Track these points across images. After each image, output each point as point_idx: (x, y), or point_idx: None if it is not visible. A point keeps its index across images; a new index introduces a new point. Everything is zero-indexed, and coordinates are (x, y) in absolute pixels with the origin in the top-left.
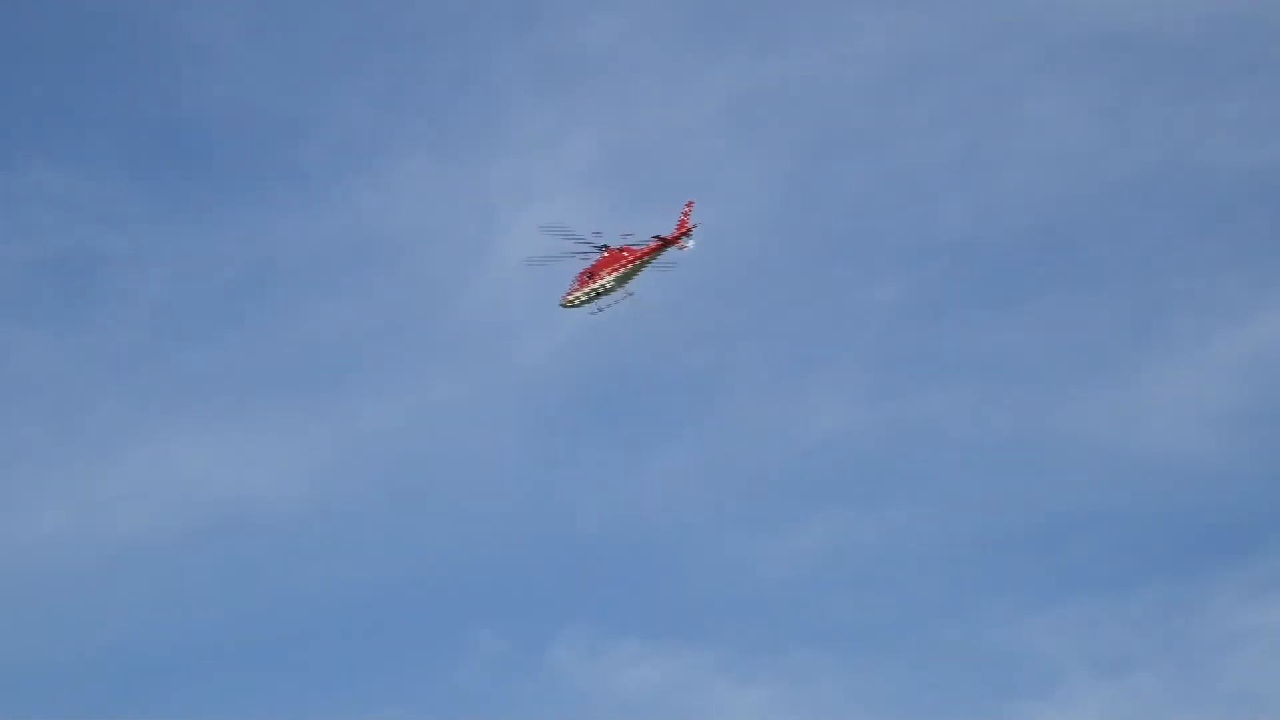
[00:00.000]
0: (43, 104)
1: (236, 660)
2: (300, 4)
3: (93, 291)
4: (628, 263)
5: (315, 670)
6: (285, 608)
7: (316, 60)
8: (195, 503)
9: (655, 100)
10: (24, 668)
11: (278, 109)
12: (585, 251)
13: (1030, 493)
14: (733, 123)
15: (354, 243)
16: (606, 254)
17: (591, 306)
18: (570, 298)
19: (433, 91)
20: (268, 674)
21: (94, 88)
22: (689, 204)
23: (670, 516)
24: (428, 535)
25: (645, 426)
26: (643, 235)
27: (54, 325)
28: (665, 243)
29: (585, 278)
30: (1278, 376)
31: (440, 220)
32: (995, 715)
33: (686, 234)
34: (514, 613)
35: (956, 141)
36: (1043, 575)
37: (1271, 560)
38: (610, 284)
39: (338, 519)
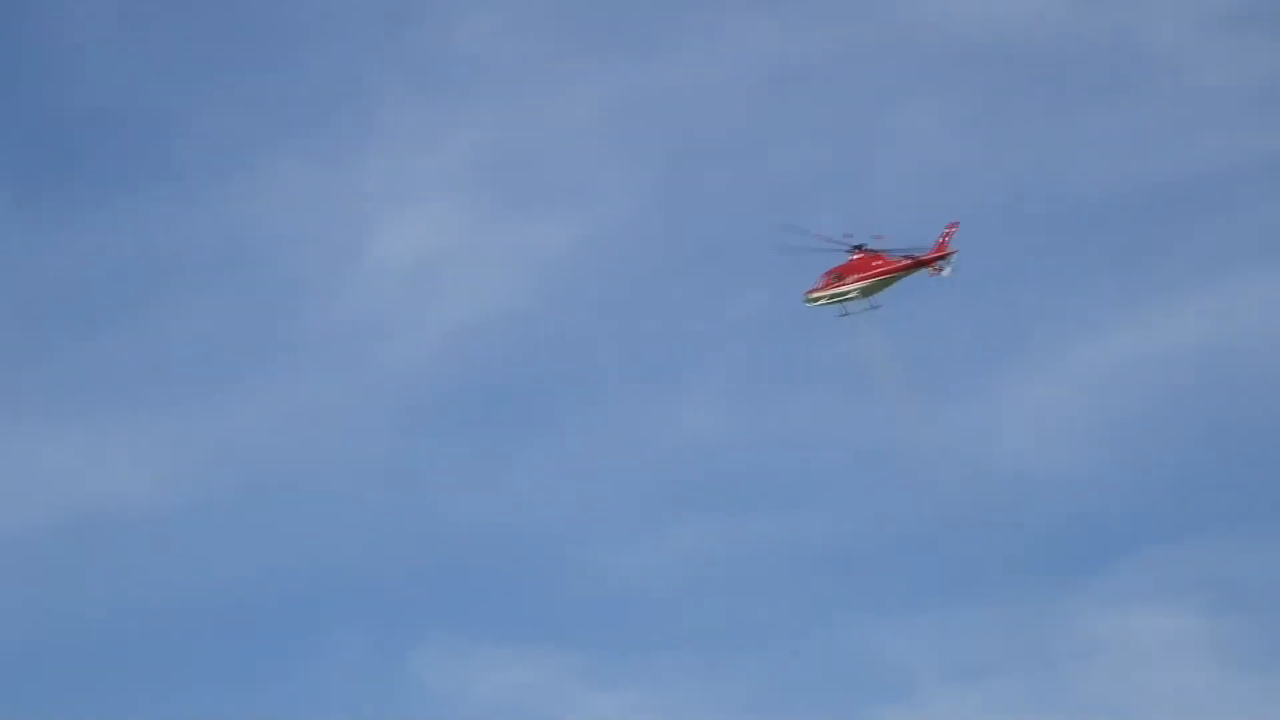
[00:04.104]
0: None
1: (95, 659)
2: (174, 3)
3: None
4: (877, 274)
5: (174, 671)
6: (144, 608)
7: (190, 60)
8: (54, 503)
9: (531, 104)
10: None
11: (149, 108)
12: (834, 248)
13: (891, 502)
14: (608, 127)
15: (225, 243)
16: (859, 256)
17: (838, 308)
18: (815, 295)
19: (307, 93)
20: (126, 673)
21: None
22: (952, 225)
23: (534, 522)
24: (290, 538)
25: (511, 432)
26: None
27: None
28: (919, 263)
29: (833, 278)
30: (1134, 391)
31: (313, 222)
32: (852, 719)
33: (944, 257)
34: (376, 616)
35: (828, 151)
36: (902, 583)
37: (1125, 571)
38: (854, 294)
39: (200, 520)
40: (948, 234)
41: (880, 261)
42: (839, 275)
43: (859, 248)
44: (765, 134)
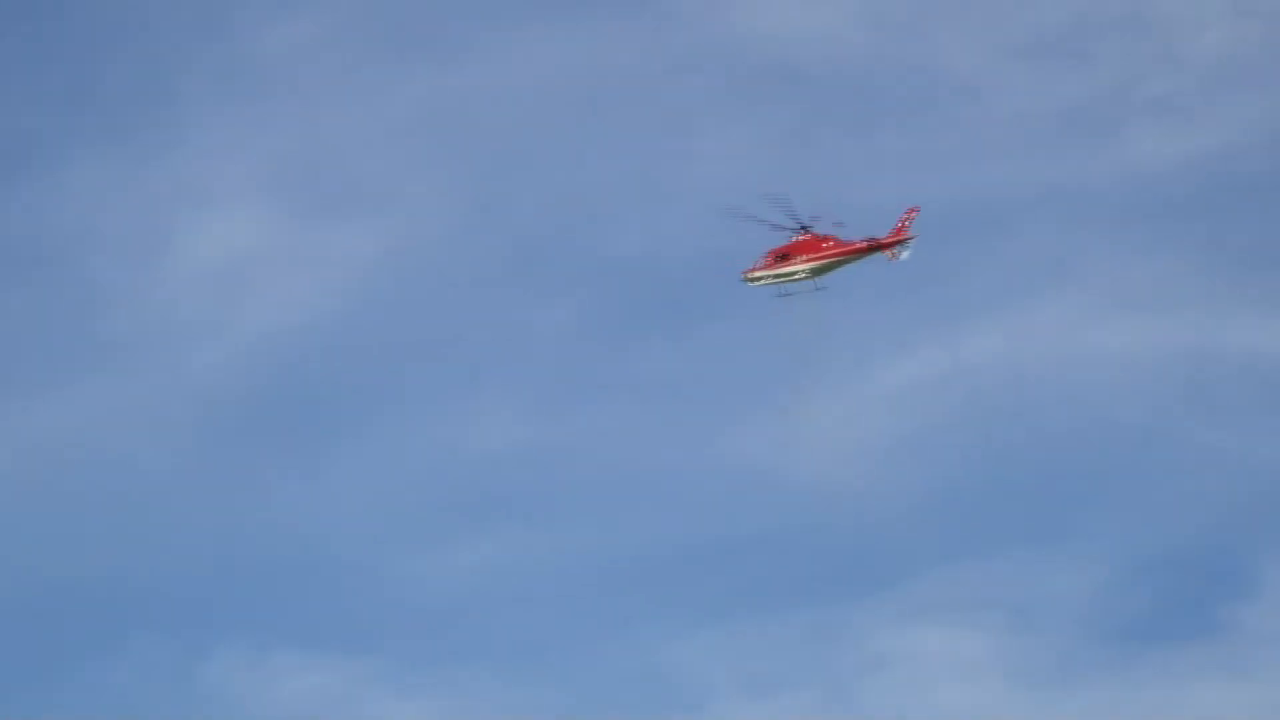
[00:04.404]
0: None
1: None
2: None
3: None
4: (828, 255)
5: None
6: None
7: None
8: None
9: (340, 109)
10: None
11: None
12: (781, 228)
13: (688, 515)
14: (418, 134)
15: (25, 243)
16: (806, 237)
17: (776, 289)
18: (755, 274)
19: (114, 94)
20: None
21: None
22: (912, 210)
23: (338, 529)
24: (88, 540)
25: (316, 439)
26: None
27: None
28: (875, 246)
29: (776, 258)
30: (931, 409)
31: (118, 224)
32: None
33: (902, 242)
34: (172, 620)
35: (634, 166)
36: (697, 595)
37: (917, 587)
38: (803, 273)
39: None
40: (907, 219)
41: (831, 243)
42: (784, 255)
43: (805, 229)
44: (572, 146)
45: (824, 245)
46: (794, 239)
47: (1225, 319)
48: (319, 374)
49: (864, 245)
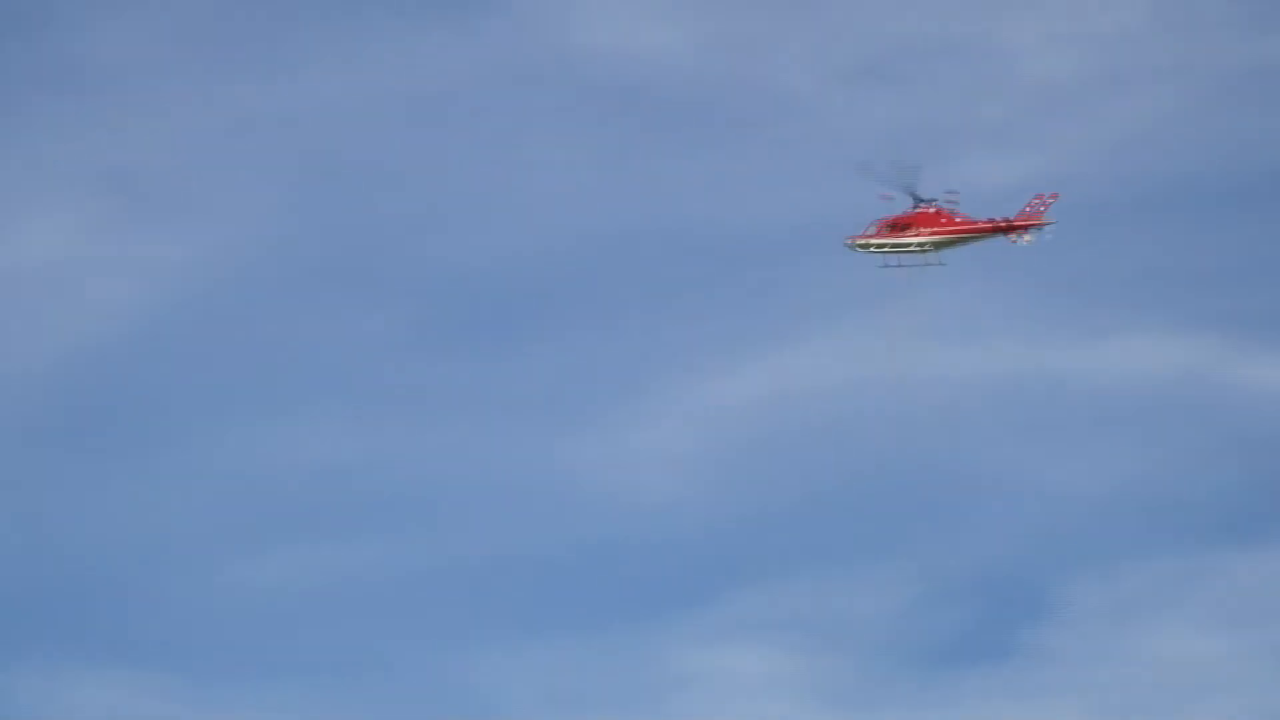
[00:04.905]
0: None
1: None
2: None
3: None
4: (953, 230)
5: None
6: None
7: None
8: None
9: (161, 115)
10: None
11: None
12: (900, 200)
13: (499, 530)
14: (241, 143)
15: None
16: (927, 209)
17: (885, 259)
18: (866, 242)
19: None
20: None
21: None
22: (1049, 195)
23: (147, 541)
24: None
25: (128, 449)
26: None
27: None
28: (1004, 227)
29: (892, 227)
30: (745, 429)
31: None
32: None
33: (1033, 227)
34: None
35: (462, 178)
36: (506, 611)
37: (723, 605)
38: (926, 246)
39: None
40: (1041, 204)
41: (949, 219)
42: (903, 225)
43: (927, 201)
44: (399, 156)
45: (942, 220)
46: (913, 210)
47: (1040, 346)
48: (135, 382)
49: (990, 225)
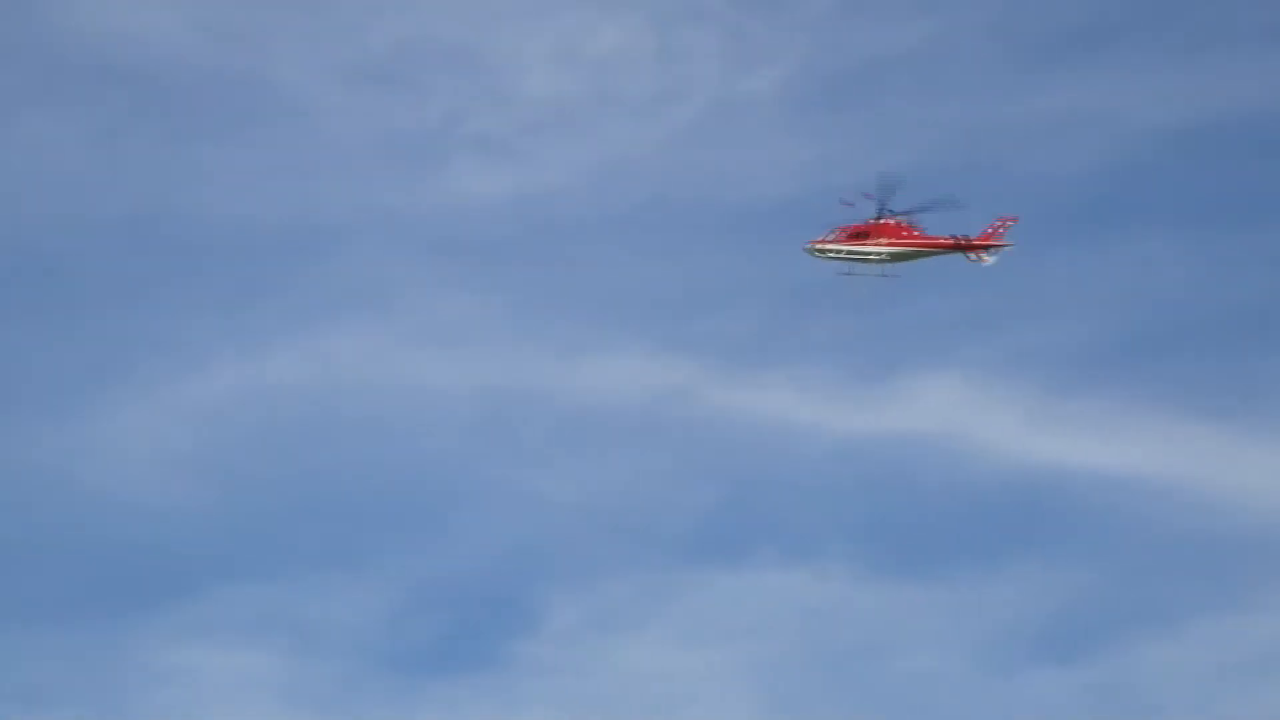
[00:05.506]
0: None
1: None
2: None
3: None
4: (911, 244)
5: None
6: None
7: None
8: None
9: None
10: None
11: None
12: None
13: None
14: None
15: None
16: (888, 221)
17: (842, 266)
18: (825, 247)
19: None
20: None
21: None
22: (1010, 219)
23: None
24: None
25: None
26: None
27: None
28: (962, 246)
29: (851, 235)
30: (230, 425)
31: None
32: None
33: (992, 248)
34: None
35: None
36: None
37: (201, 604)
38: (883, 256)
39: None
40: (1004, 226)
41: (909, 232)
42: (863, 234)
43: (891, 215)
44: None
45: (903, 233)
46: (873, 220)
47: (527, 359)
48: None
49: (950, 242)
